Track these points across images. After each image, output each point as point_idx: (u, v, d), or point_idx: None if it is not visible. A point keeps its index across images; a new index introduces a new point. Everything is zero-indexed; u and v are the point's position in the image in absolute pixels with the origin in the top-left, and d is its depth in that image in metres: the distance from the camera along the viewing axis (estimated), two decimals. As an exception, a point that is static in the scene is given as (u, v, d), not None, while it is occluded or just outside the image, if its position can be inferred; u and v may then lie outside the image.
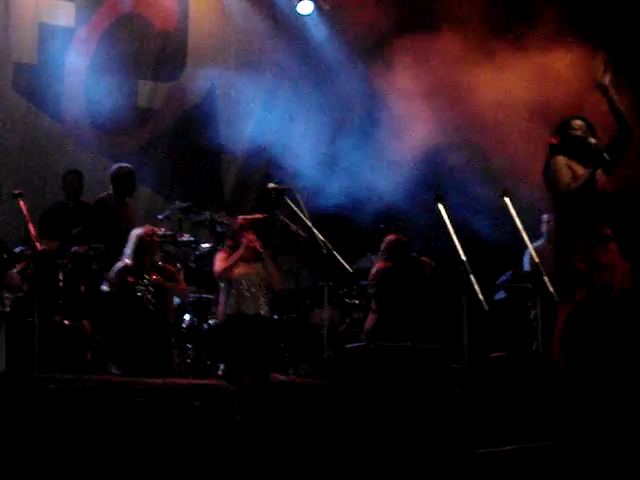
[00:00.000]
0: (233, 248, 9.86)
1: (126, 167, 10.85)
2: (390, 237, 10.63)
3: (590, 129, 8.22)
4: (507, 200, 9.32)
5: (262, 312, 9.77)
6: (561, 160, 8.14)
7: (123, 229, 10.23)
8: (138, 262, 9.63)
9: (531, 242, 9.67)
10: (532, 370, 8.80)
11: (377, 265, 10.52)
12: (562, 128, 8.31)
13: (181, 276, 10.24)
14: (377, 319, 10.29)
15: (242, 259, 9.83)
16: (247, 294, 9.71)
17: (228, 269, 9.70)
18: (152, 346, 9.36)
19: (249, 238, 9.75)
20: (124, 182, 10.77)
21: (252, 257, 9.86)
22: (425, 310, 10.45)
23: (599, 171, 8.09)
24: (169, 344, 9.53)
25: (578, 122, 8.25)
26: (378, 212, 11.93)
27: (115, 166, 10.92)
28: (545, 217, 11.26)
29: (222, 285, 9.85)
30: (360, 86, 12.63)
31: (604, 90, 8.16)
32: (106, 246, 10.08)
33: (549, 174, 8.18)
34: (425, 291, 10.56)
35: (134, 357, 9.28)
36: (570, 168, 8.12)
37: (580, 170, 8.13)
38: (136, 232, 9.75)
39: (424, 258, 10.59)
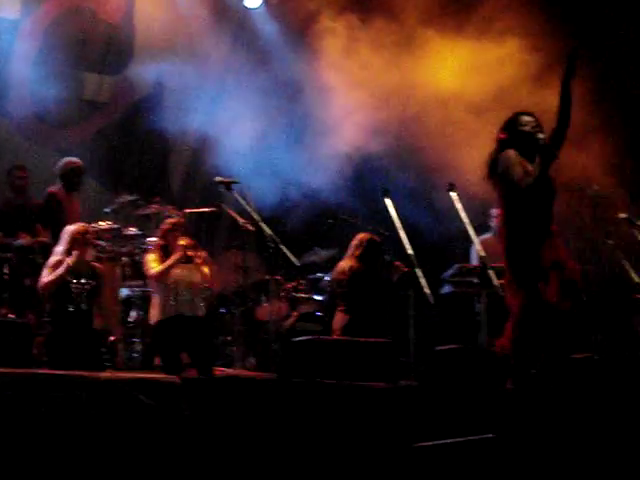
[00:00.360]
0: (163, 248, 9.73)
1: (73, 161, 10.78)
2: (363, 236, 10.53)
3: (538, 125, 8.29)
4: (453, 195, 9.40)
5: (199, 313, 9.69)
6: (513, 154, 8.20)
7: (70, 223, 10.11)
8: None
9: (477, 236, 9.77)
10: (477, 363, 8.85)
11: (348, 264, 10.41)
12: (511, 124, 8.37)
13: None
14: (349, 320, 10.25)
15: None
16: (185, 296, 9.61)
17: (164, 272, 9.57)
18: (82, 344, 9.28)
19: (181, 242, 9.66)
20: (72, 176, 10.71)
21: (186, 258, 9.78)
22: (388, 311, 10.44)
23: (549, 166, 8.23)
24: (100, 342, 9.45)
25: (526, 118, 8.32)
26: (324, 206, 11.94)
27: (63, 160, 10.85)
28: (494, 211, 11.33)
29: (156, 286, 9.70)
30: (304, 78, 12.68)
31: (573, 58, 8.19)
32: (53, 240, 10.00)
33: (501, 169, 8.22)
34: (393, 295, 10.52)
35: (64, 353, 9.17)
36: (521, 163, 8.20)
37: (528, 166, 8.20)
38: (70, 229, 9.64)
39: (397, 263, 10.55)
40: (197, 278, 9.69)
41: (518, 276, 8.26)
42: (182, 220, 10.05)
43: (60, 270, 9.37)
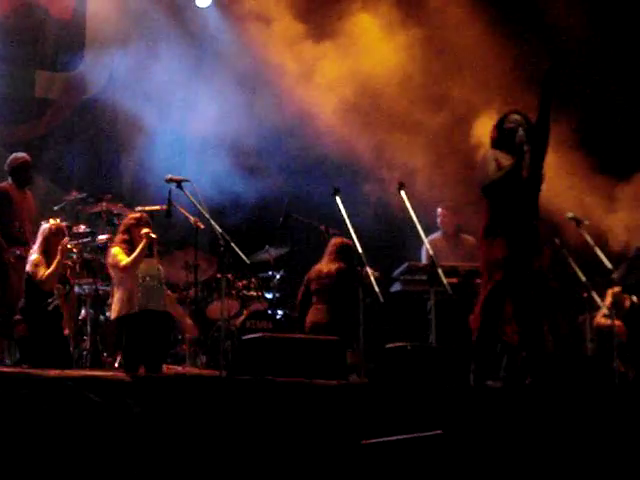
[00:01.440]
0: (128, 242, 9.68)
1: (21, 157, 10.71)
2: (336, 240, 10.64)
3: (523, 123, 8.49)
4: (403, 193, 9.46)
5: (164, 307, 9.67)
6: (490, 153, 8.59)
7: (23, 219, 10.19)
8: (46, 256, 9.52)
9: (426, 235, 9.85)
10: (427, 361, 8.91)
11: (335, 265, 10.50)
12: (499, 122, 8.75)
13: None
14: (330, 315, 10.36)
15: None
16: (153, 290, 9.60)
17: (136, 262, 9.54)
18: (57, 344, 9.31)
19: (147, 232, 9.63)
20: (20, 172, 10.63)
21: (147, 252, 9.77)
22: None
23: (525, 162, 8.40)
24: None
25: (514, 116, 8.68)
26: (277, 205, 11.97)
27: (11, 156, 10.77)
28: (440, 210, 11.42)
29: (122, 280, 9.67)
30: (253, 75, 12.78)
31: (550, 78, 8.40)
32: (4, 235, 9.95)
33: (478, 165, 8.73)
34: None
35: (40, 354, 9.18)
36: (496, 160, 8.43)
37: (506, 161, 8.43)
38: (44, 226, 9.63)
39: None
40: (160, 272, 9.69)
41: (486, 265, 8.47)
42: (145, 215, 10.00)
43: (58, 258, 9.39)
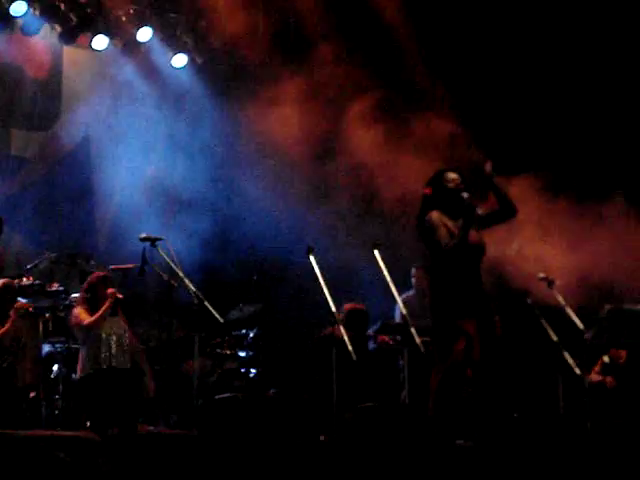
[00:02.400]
0: (90, 301, 9.73)
1: None
2: (347, 306, 10.67)
3: (463, 182, 8.35)
4: (376, 253, 9.51)
5: (128, 365, 9.69)
6: (436, 216, 8.22)
7: None
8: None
9: (400, 294, 9.87)
10: (399, 420, 8.90)
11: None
12: (435, 179, 8.41)
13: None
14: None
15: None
16: (116, 348, 9.63)
17: (98, 321, 9.58)
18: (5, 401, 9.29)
19: (112, 292, 9.69)
20: None
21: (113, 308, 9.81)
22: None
23: (472, 225, 8.26)
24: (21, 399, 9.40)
25: (452, 175, 8.34)
26: (249, 262, 12.01)
27: None
28: (413, 270, 11.45)
29: (85, 339, 9.69)
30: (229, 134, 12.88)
31: (490, 178, 8.32)
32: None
33: (426, 231, 8.28)
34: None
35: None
36: (444, 224, 8.24)
37: (451, 224, 8.24)
38: None
39: (382, 337, 10.67)
40: (124, 330, 9.71)
41: (439, 334, 8.32)
42: (108, 274, 10.04)
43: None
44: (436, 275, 8.35)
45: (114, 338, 9.64)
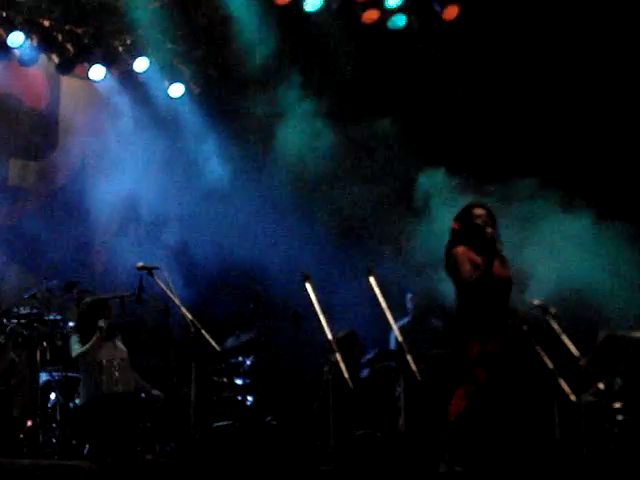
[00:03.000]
0: (82, 329, 9.78)
1: None
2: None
3: (490, 217, 8.53)
4: (372, 279, 9.53)
5: (131, 389, 9.71)
6: (462, 251, 8.43)
7: None
8: None
9: (395, 321, 9.90)
10: (396, 448, 8.94)
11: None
12: (463, 214, 8.64)
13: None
14: None
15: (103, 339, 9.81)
16: (117, 374, 9.66)
17: (86, 354, 9.64)
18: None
19: (100, 323, 9.75)
20: None
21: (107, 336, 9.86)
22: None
23: (496, 259, 8.41)
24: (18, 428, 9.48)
25: (478, 210, 8.60)
26: (246, 290, 12.05)
27: None
28: (409, 295, 11.50)
29: (85, 367, 9.73)
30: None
31: (492, 241, 8.46)
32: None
33: (451, 264, 8.49)
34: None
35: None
36: (469, 258, 8.40)
37: (477, 258, 8.41)
38: None
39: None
40: (123, 354, 9.73)
41: (462, 365, 8.43)
42: (100, 299, 10.07)
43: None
44: (461, 308, 8.49)
45: (115, 363, 9.67)
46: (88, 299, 10.25)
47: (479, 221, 8.54)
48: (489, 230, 8.44)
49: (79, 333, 9.81)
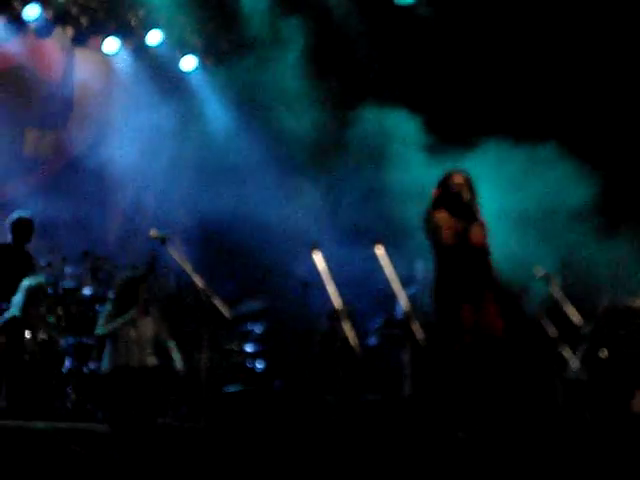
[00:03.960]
0: (121, 302, 9.94)
1: (26, 217, 10.91)
2: None
3: (468, 184, 8.69)
4: (379, 250, 9.66)
5: (148, 363, 9.87)
6: (442, 216, 8.59)
7: (21, 277, 10.21)
8: (25, 314, 9.77)
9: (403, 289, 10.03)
10: (403, 413, 9.06)
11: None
12: (443, 182, 8.80)
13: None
14: None
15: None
16: (134, 346, 9.78)
17: (108, 333, 9.82)
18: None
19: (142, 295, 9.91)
20: (24, 231, 10.84)
21: (143, 310, 9.99)
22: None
23: (474, 225, 8.55)
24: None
25: (457, 177, 8.76)
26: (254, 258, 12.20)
27: (15, 215, 10.92)
28: (419, 264, 11.59)
29: (116, 338, 9.81)
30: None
31: (468, 207, 8.63)
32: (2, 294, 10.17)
33: (430, 228, 8.64)
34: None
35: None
36: (447, 222, 8.56)
37: (455, 223, 8.57)
38: (26, 283, 9.89)
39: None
40: (150, 330, 9.92)
41: (439, 332, 8.57)
42: (139, 275, 10.21)
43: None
44: (440, 274, 8.63)
45: (143, 338, 9.80)
46: (125, 276, 10.33)
47: (456, 188, 8.72)
48: (465, 195, 8.62)
49: (115, 306, 9.94)
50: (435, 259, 8.69)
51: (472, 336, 8.45)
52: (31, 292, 9.81)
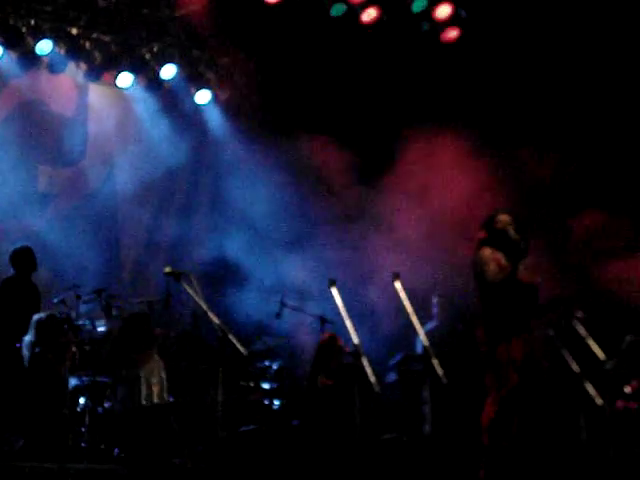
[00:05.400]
0: (127, 340, 9.78)
1: (22, 246, 10.91)
2: (324, 336, 10.83)
3: (515, 222, 8.61)
4: (397, 284, 9.54)
5: (160, 401, 9.69)
6: (487, 252, 8.50)
7: (28, 309, 10.20)
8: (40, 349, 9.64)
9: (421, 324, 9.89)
10: (422, 452, 8.92)
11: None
12: (488, 222, 8.77)
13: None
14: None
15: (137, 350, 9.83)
16: (156, 385, 9.64)
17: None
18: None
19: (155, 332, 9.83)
20: (23, 260, 10.84)
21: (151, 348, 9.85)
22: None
23: (523, 261, 8.47)
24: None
25: (502, 217, 8.75)
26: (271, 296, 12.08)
27: (12, 249, 10.94)
28: (435, 299, 11.48)
29: (126, 378, 9.73)
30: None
31: (516, 243, 8.50)
32: (10, 328, 10.12)
33: (477, 266, 8.53)
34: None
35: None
36: (495, 259, 8.44)
37: (503, 260, 8.47)
38: (36, 317, 9.79)
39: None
40: (161, 366, 9.75)
41: (493, 368, 8.43)
42: (147, 314, 10.09)
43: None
44: (486, 311, 8.51)
45: (153, 375, 9.65)
46: (127, 315, 10.20)
47: (500, 225, 8.65)
48: (512, 233, 8.52)
49: (122, 343, 9.80)
50: (481, 295, 8.60)
51: (520, 375, 8.30)
52: (42, 327, 9.69)
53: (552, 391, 11.00)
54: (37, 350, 9.61)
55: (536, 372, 8.49)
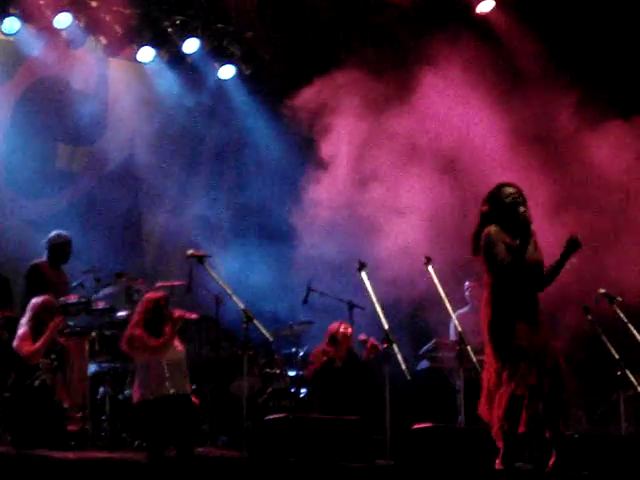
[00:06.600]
0: (150, 323, 9.40)
1: (64, 236, 10.83)
2: (333, 325, 10.75)
3: (521, 197, 8.08)
4: (430, 269, 9.28)
5: (182, 390, 9.39)
6: (495, 231, 7.96)
7: (57, 296, 10.02)
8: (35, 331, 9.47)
9: (454, 310, 9.63)
10: (456, 442, 8.69)
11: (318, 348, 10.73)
12: (493, 196, 8.14)
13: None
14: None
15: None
16: (177, 374, 9.33)
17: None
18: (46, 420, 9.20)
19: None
20: (61, 250, 10.78)
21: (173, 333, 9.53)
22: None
23: (530, 240, 7.99)
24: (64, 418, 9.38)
25: (509, 190, 8.07)
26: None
27: (53, 233, 10.85)
28: (467, 284, 11.21)
29: (142, 364, 9.30)
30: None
31: (574, 246, 8.05)
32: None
33: (483, 245, 8.02)
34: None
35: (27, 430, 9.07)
36: (503, 240, 7.97)
37: (509, 240, 7.98)
38: (33, 301, 9.59)
39: (372, 341, 10.49)
40: (183, 355, 9.44)
41: (500, 353, 8.03)
42: (167, 295, 9.78)
43: (47, 336, 9.35)
44: (494, 292, 8.08)
45: (174, 364, 9.34)
46: (155, 293, 9.89)
47: (509, 200, 8.02)
48: (522, 209, 8.00)
49: (145, 326, 9.41)
50: (488, 277, 8.13)
51: (536, 378, 7.91)
52: (34, 309, 9.52)
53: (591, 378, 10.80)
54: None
55: (546, 355, 8.02)
